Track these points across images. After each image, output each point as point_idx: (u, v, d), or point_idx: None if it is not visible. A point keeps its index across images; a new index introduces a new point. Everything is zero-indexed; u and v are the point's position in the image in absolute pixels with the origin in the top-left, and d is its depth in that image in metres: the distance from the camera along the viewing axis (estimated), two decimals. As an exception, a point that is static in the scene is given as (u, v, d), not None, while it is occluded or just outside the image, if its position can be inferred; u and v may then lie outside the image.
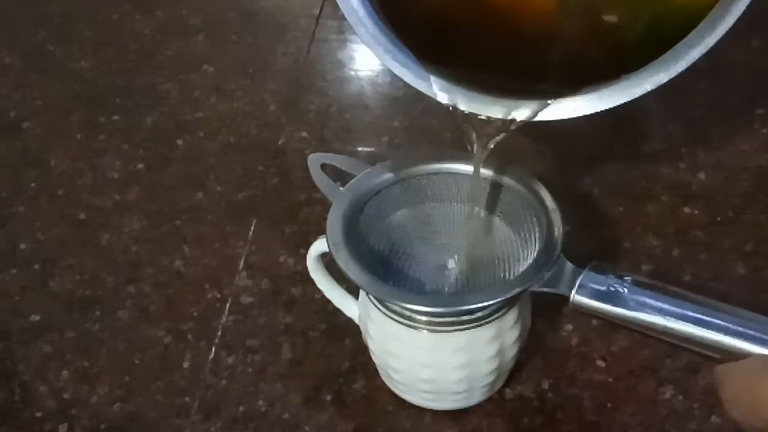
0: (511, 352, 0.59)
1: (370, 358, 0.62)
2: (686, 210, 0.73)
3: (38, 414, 0.62)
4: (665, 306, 0.52)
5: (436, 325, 0.56)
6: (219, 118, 0.83)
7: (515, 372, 0.62)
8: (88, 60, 0.89)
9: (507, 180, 0.60)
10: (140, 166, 0.79)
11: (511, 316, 0.57)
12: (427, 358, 0.58)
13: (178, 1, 0.95)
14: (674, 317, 0.52)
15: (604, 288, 0.54)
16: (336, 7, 0.54)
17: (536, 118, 0.53)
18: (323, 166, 0.62)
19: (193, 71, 0.87)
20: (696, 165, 0.76)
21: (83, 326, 0.67)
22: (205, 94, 0.85)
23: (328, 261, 0.63)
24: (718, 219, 0.72)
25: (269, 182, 0.77)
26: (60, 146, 0.81)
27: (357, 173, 0.61)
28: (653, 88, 0.51)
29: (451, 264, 0.61)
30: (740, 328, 0.50)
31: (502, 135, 0.55)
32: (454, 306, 0.56)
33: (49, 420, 0.62)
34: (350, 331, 0.64)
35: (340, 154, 0.64)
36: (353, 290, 0.62)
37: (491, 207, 0.61)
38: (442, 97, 0.54)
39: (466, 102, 0.54)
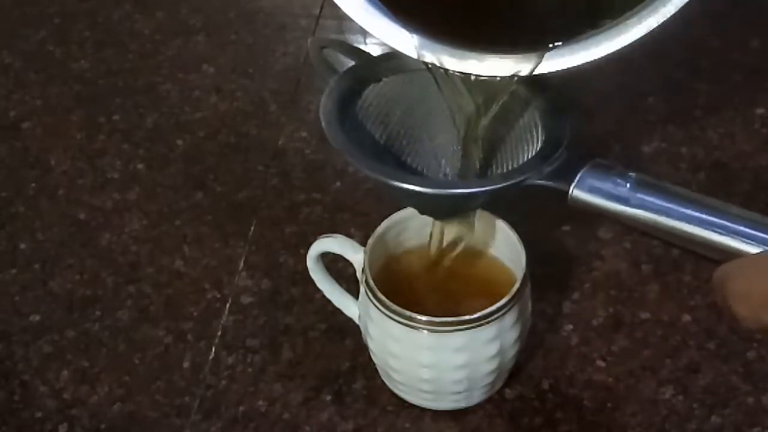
0: (511, 352, 0.59)
1: (370, 358, 0.62)
2: (686, 210, 0.73)
3: (38, 414, 0.62)
4: (669, 205, 0.50)
5: (437, 325, 0.56)
6: (219, 118, 0.83)
7: (515, 372, 0.62)
8: (88, 60, 0.89)
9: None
10: (140, 166, 0.79)
11: (511, 316, 0.57)
12: (427, 358, 0.58)
13: (178, 1, 0.95)
14: (678, 217, 0.50)
15: (605, 184, 0.52)
16: (336, 7, 0.54)
17: (522, 73, 0.52)
18: (324, 52, 0.60)
19: (193, 71, 0.87)
20: (696, 165, 0.76)
21: (83, 326, 0.67)
22: (205, 94, 0.85)
23: (328, 261, 0.63)
24: (718, 219, 0.72)
25: (269, 182, 0.77)
26: (60, 146, 0.81)
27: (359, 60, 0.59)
28: (643, 34, 0.49)
29: (450, 161, 0.59)
30: (745, 229, 0.49)
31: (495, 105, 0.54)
32: (450, 189, 0.53)
33: (49, 420, 0.62)
34: (350, 331, 0.64)
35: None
36: (353, 290, 0.62)
37: (496, 108, 0.58)
38: (425, 56, 0.53)
39: (449, 60, 0.52)
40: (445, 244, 0.60)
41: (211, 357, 0.65)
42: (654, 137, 0.78)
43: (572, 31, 0.51)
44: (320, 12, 0.92)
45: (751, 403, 0.61)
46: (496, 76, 0.53)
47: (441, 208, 0.58)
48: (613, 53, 0.50)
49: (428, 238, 0.60)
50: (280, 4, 0.95)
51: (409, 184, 0.53)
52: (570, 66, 0.51)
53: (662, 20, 0.49)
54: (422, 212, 0.57)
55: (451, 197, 0.55)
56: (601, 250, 0.70)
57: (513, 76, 0.52)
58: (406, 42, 0.53)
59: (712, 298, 0.67)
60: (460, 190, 0.54)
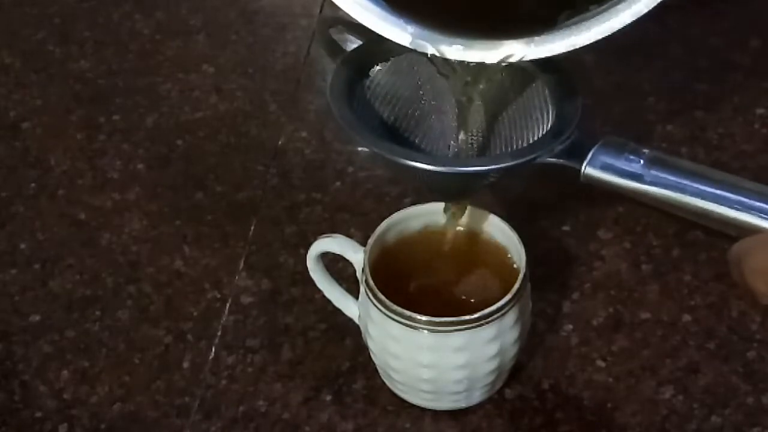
0: (511, 352, 0.59)
1: (370, 358, 0.62)
2: (686, 210, 0.73)
3: (38, 414, 0.62)
4: (684, 181, 0.50)
5: (437, 325, 0.56)
6: (219, 118, 0.83)
7: (515, 372, 0.62)
8: (88, 60, 0.89)
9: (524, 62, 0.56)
10: (140, 166, 0.79)
11: (511, 316, 0.57)
12: (427, 358, 0.58)
13: (178, 1, 0.95)
14: (693, 193, 0.50)
15: (618, 161, 0.51)
16: (336, 7, 0.53)
17: (511, 60, 0.51)
18: (331, 31, 0.59)
19: (193, 71, 0.87)
20: (696, 165, 0.76)
21: (83, 326, 0.67)
22: (205, 94, 0.85)
23: (328, 261, 0.63)
24: (718, 219, 0.72)
25: (269, 182, 0.77)
26: (60, 146, 0.81)
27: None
28: (633, 19, 0.48)
29: (459, 142, 0.58)
30: (761, 204, 0.48)
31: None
32: (462, 167, 0.52)
33: (49, 420, 0.62)
34: (350, 331, 0.64)
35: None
36: (353, 290, 0.62)
37: (507, 88, 0.58)
38: (420, 46, 0.52)
39: (448, 48, 0.52)
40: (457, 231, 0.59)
41: (211, 357, 0.65)
42: (654, 137, 0.78)
43: (559, 17, 0.50)
44: (320, 12, 0.92)
45: (751, 403, 0.61)
46: (483, 62, 0.52)
47: (452, 187, 0.57)
48: (604, 38, 0.50)
49: (434, 235, 0.61)
50: (280, 4, 0.95)
51: (421, 162, 0.52)
52: (559, 52, 0.51)
53: (652, 5, 0.48)
54: (432, 192, 0.57)
55: (463, 176, 0.54)
56: (601, 250, 0.70)
57: (501, 61, 0.52)
58: (400, 31, 0.52)
59: (712, 298, 0.67)
60: (473, 168, 0.53)
